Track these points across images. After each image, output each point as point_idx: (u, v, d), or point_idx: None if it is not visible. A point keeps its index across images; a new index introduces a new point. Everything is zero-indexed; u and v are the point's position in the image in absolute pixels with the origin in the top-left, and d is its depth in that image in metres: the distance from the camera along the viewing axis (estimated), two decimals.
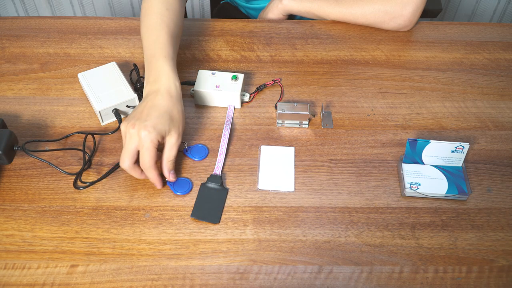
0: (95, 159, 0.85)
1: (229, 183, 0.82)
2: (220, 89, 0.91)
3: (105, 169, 0.83)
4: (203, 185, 0.81)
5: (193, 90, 0.93)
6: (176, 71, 0.85)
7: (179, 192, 0.80)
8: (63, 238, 0.75)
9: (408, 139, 0.80)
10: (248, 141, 0.88)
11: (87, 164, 0.83)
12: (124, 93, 0.90)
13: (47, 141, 0.86)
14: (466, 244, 0.76)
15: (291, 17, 1.16)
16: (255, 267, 0.73)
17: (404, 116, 0.92)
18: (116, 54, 1.02)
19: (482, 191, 0.82)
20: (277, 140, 0.88)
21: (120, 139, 0.87)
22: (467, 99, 0.96)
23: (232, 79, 0.92)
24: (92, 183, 0.80)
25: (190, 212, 0.78)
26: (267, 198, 0.80)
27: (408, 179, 0.81)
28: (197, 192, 0.81)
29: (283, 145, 0.87)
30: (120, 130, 0.88)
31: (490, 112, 0.93)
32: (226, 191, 0.81)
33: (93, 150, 0.85)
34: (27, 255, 0.73)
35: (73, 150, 0.85)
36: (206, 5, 2.00)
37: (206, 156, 0.85)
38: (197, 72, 0.95)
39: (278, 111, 0.88)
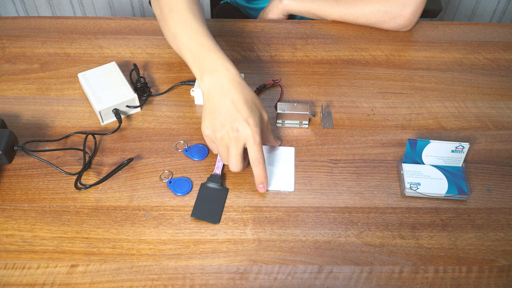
0: (95, 159, 0.85)
1: (229, 183, 0.82)
2: None
3: (105, 169, 0.83)
4: (203, 185, 0.81)
5: (193, 90, 0.93)
6: (218, 48, 0.82)
7: (179, 192, 0.80)
8: (63, 238, 0.75)
9: (408, 139, 0.80)
10: None
11: (88, 164, 0.83)
12: (124, 93, 0.90)
13: (47, 141, 0.86)
14: (466, 244, 0.76)
15: (291, 17, 1.16)
16: (255, 267, 0.73)
17: (404, 116, 0.92)
18: (116, 54, 1.02)
19: (482, 191, 0.82)
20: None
21: (120, 139, 0.87)
22: (467, 99, 0.96)
23: None
24: (94, 184, 0.80)
25: (190, 212, 0.78)
26: (267, 198, 0.80)
27: (408, 179, 0.81)
28: (197, 192, 0.81)
29: (283, 145, 0.87)
30: (120, 131, 0.88)
31: (490, 112, 0.93)
32: (226, 191, 0.81)
33: (93, 150, 0.85)
34: (27, 255, 0.73)
35: (73, 150, 0.85)
36: (206, 5, 1.99)
37: (206, 156, 0.85)
38: None
39: (278, 111, 0.88)
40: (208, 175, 0.83)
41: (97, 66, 0.95)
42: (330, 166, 0.85)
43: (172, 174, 0.83)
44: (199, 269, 0.72)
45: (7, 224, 0.77)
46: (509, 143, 0.89)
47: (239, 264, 0.73)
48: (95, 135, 0.87)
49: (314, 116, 0.92)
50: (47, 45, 1.04)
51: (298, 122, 0.89)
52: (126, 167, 0.83)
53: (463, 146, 0.80)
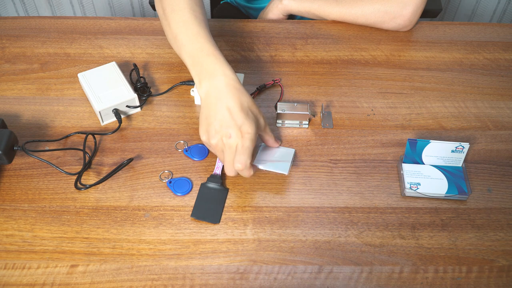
0: (95, 159, 0.85)
1: (229, 183, 0.82)
2: None
3: (105, 169, 0.83)
4: (203, 185, 0.81)
5: (193, 90, 0.93)
6: (216, 50, 0.81)
7: (179, 192, 0.80)
8: (63, 238, 0.75)
9: (408, 139, 0.80)
10: None
11: (88, 164, 0.83)
12: (124, 93, 0.90)
13: (47, 141, 0.86)
14: (466, 244, 0.76)
15: (291, 17, 1.16)
16: (255, 267, 0.73)
17: (404, 116, 0.92)
18: (116, 54, 1.02)
19: (482, 191, 0.82)
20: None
21: (120, 139, 0.87)
22: (467, 99, 0.96)
23: None
24: (94, 184, 0.80)
25: (190, 212, 0.78)
26: (267, 198, 0.80)
27: (408, 179, 0.81)
28: (197, 192, 0.81)
29: (282, 145, 0.87)
30: (120, 131, 0.88)
31: (490, 112, 0.93)
32: (226, 191, 0.81)
33: (93, 150, 0.85)
34: (27, 255, 0.73)
35: (73, 150, 0.85)
36: (206, 5, 2.00)
37: (206, 156, 0.85)
38: None
39: (278, 111, 0.88)
40: (208, 175, 0.83)
41: (97, 66, 0.95)
42: (330, 166, 0.85)
43: (172, 174, 0.83)
44: (199, 269, 0.72)
45: (7, 224, 0.77)
46: (509, 143, 0.89)
47: (239, 264, 0.73)
48: (95, 135, 0.87)
49: (314, 116, 0.92)
50: (47, 45, 1.04)
51: (298, 122, 0.89)
52: (126, 167, 0.83)
53: (463, 146, 0.80)
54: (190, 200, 0.80)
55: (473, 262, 0.74)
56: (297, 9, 1.10)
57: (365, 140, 0.88)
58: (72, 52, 1.02)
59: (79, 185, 0.81)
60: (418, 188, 0.80)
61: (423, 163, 0.83)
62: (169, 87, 0.95)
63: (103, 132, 0.88)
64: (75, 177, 0.81)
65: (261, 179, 0.82)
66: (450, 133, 0.90)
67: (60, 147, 0.86)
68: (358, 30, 1.08)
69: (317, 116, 0.92)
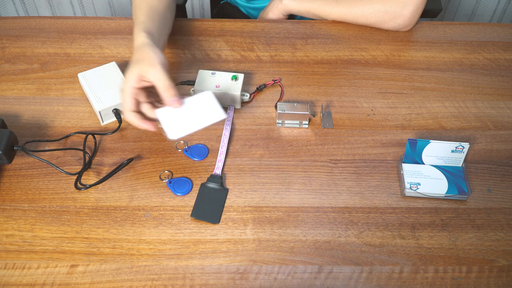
0: (95, 159, 0.85)
1: (229, 183, 0.82)
2: (220, 89, 0.91)
3: (105, 169, 0.83)
4: (203, 185, 0.81)
5: (193, 90, 0.93)
6: (148, 29, 0.86)
7: (179, 192, 0.80)
8: (63, 238, 0.75)
9: (408, 139, 0.80)
10: (248, 141, 0.88)
11: (88, 164, 0.83)
12: None
13: (47, 141, 0.86)
14: (466, 244, 0.76)
15: (291, 17, 1.16)
16: (255, 267, 0.73)
17: (404, 116, 0.92)
18: (116, 54, 1.02)
19: (482, 191, 0.82)
20: (277, 140, 0.88)
21: (120, 139, 0.87)
22: (467, 99, 0.96)
23: (232, 79, 0.92)
24: (94, 184, 0.80)
25: (190, 212, 0.78)
26: (267, 198, 0.80)
27: (408, 179, 0.81)
28: (197, 192, 0.81)
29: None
30: (120, 131, 0.89)
31: (490, 112, 0.93)
32: (226, 191, 0.81)
33: (93, 150, 0.85)
34: (27, 255, 0.73)
35: (73, 150, 0.85)
36: (206, 5, 1.99)
37: (206, 156, 0.85)
38: (197, 72, 0.95)
39: (278, 111, 0.88)
40: (208, 175, 0.83)
41: (97, 66, 0.95)
42: (330, 166, 0.85)
43: (172, 174, 0.83)
44: (199, 269, 0.72)
45: (7, 224, 0.77)
46: (509, 143, 0.89)
47: (239, 264, 0.73)
48: (95, 135, 0.87)
49: (314, 116, 0.92)
50: (47, 45, 1.04)
51: (298, 122, 0.89)
52: (126, 167, 0.83)
53: (463, 146, 0.80)
54: (190, 200, 0.80)
55: (473, 262, 0.74)
56: (297, 9, 1.10)
57: (365, 140, 0.88)
58: (72, 52, 1.02)
59: (79, 185, 0.81)
60: (418, 188, 0.80)
61: (423, 163, 0.83)
62: None
63: (103, 132, 0.88)
64: (75, 177, 0.81)
65: (261, 179, 0.82)
66: (450, 133, 0.90)
67: (60, 147, 0.86)
68: (358, 30, 1.08)
69: (317, 116, 0.92)
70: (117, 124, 0.88)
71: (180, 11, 1.35)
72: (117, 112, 0.88)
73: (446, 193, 0.80)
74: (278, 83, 0.97)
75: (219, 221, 0.77)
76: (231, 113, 0.92)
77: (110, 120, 0.90)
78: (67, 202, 0.79)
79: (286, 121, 0.90)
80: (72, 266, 0.72)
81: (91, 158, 0.84)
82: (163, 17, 0.94)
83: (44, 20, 1.09)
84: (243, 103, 0.94)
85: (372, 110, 0.93)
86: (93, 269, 0.72)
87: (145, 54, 0.80)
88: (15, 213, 0.78)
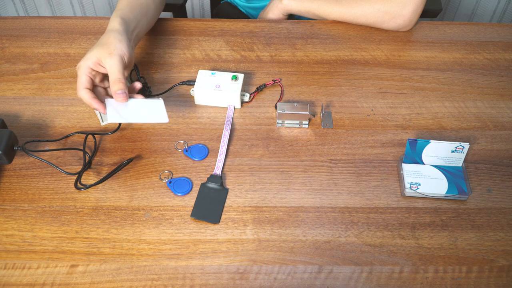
0: (95, 159, 0.85)
1: (229, 183, 0.82)
2: (220, 89, 0.91)
3: (105, 169, 0.83)
4: (203, 185, 0.81)
5: (193, 90, 0.93)
6: (124, 16, 0.88)
7: (179, 192, 0.80)
8: (63, 238, 0.75)
9: (408, 139, 0.80)
10: (248, 141, 0.88)
11: (88, 164, 0.83)
12: None
13: (47, 141, 0.86)
14: (466, 244, 0.76)
15: (291, 17, 1.16)
16: (255, 267, 0.73)
17: (404, 116, 0.92)
18: None
19: (482, 191, 0.82)
20: (277, 140, 0.88)
21: (120, 139, 0.87)
22: (467, 99, 0.96)
23: (232, 79, 0.92)
24: (94, 184, 0.80)
25: (190, 212, 0.78)
26: (267, 198, 0.80)
27: (408, 179, 0.81)
28: (197, 192, 0.81)
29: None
30: (120, 131, 0.89)
31: (490, 112, 0.93)
32: (226, 191, 0.81)
33: (93, 150, 0.85)
34: (27, 255, 0.73)
35: (73, 150, 0.85)
36: (206, 5, 2.00)
37: (206, 156, 0.85)
38: (197, 72, 0.95)
39: (278, 111, 0.88)
40: (208, 175, 0.83)
41: None
42: (330, 166, 0.85)
43: (172, 174, 0.83)
44: (199, 269, 0.72)
45: (7, 224, 0.77)
46: (509, 143, 0.89)
47: (239, 264, 0.73)
48: (95, 135, 0.87)
49: (314, 116, 0.92)
50: (47, 45, 1.04)
51: (298, 122, 0.90)
52: (126, 167, 0.83)
53: (463, 146, 0.80)
54: (190, 200, 0.80)
55: (473, 262, 0.74)
56: (297, 9, 1.10)
57: (365, 140, 0.88)
58: (72, 52, 1.02)
59: (79, 185, 0.81)
60: (418, 188, 0.80)
61: (423, 163, 0.83)
62: (169, 87, 0.95)
63: (103, 132, 0.88)
64: (75, 177, 0.81)
65: (261, 179, 0.82)
66: (450, 133, 0.90)
67: (60, 147, 0.86)
68: (358, 30, 1.08)
69: (317, 116, 0.92)
70: (117, 124, 0.88)
71: (180, 11, 1.35)
72: None
73: (446, 193, 0.80)
74: (278, 83, 0.97)
75: (219, 221, 0.77)
76: (231, 113, 0.92)
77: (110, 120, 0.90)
78: (67, 202, 0.79)
79: (286, 121, 0.90)
80: (72, 266, 0.72)
81: (91, 158, 0.84)
82: (144, 7, 0.95)
83: (44, 20, 1.09)
84: (243, 103, 0.94)
85: (372, 110, 0.93)
86: (93, 269, 0.72)
87: (110, 40, 0.82)
88: (15, 213, 0.78)
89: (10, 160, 0.80)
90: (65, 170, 0.82)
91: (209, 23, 1.09)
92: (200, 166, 0.84)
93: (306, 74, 0.99)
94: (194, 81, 0.94)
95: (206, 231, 0.76)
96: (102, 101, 0.82)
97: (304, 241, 0.75)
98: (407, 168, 0.82)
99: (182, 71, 0.99)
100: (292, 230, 0.77)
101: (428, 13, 1.30)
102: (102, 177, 0.81)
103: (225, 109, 0.93)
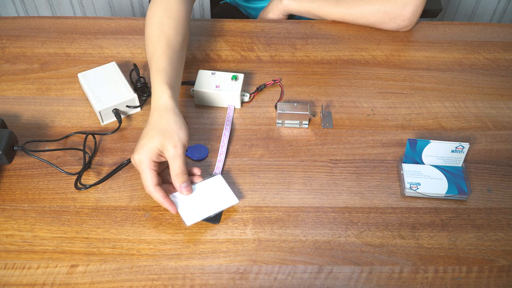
0: (95, 159, 0.85)
1: (229, 183, 0.82)
2: (220, 89, 0.91)
3: (105, 169, 0.83)
4: None
5: (193, 90, 0.93)
6: (171, 81, 0.81)
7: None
8: (63, 238, 0.75)
9: (408, 139, 0.80)
10: (248, 141, 0.88)
11: (88, 164, 0.83)
12: (124, 93, 0.90)
13: (47, 141, 0.86)
14: (466, 244, 0.76)
15: (291, 17, 1.16)
16: (255, 267, 0.73)
17: (404, 116, 0.92)
18: (116, 54, 1.02)
19: (482, 191, 0.82)
20: (277, 140, 0.88)
21: (120, 139, 0.87)
22: (467, 99, 0.96)
23: (232, 79, 0.92)
24: (94, 184, 0.80)
25: None
26: (267, 198, 0.80)
27: (408, 179, 0.81)
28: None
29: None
30: (120, 131, 0.89)
31: (490, 112, 0.93)
32: None
33: (93, 150, 0.85)
34: (27, 255, 0.73)
35: (73, 150, 0.85)
36: (206, 5, 2.00)
37: (206, 156, 0.85)
38: (197, 72, 0.95)
39: (278, 111, 0.88)
40: (208, 175, 0.83)
41: (97, 66, 0.95)
42: (330, 166, 0.85)
43: None
44: (199, 269, 0.72)
45: (7, 224, 0.77)
46: (509, 143, 0.89)
47: (239, 264, 0.73)
48: (95, 135, 0.87)
49: (314, 116, 0.92)
50: (47, 45, 1.04)
51: (298, 122, 0.90)
52: (126, 167, 0.83)
53: (463, 146, 0.80)
54: None
55: (473, 262, 0.74)
56: (297, 9, 1.10)
57: (365, 140, 0.88)
58: (72, 52, 1.02)
59: (79, 185, 0.81)
60: (418, 188, 0.80)
61: (423, 163, 0.83)
62: None
63: (103, 132, 0.88)
64: (75, 177, 0.81)
65: (261, 179, 0.82)
66: (450, 133, 0.90)
67: (60, 147, 0.86)
68: (358, 30, 1.08)
69: (317, 116, 0.92)
70: (117, 124, 0.88)
71: None
72: (117, 112, 0.88)
73: (446, 193, 0.80)
74: (278, 83, 0.97)
75: (219, 221, 0.77)
76: (231, 113, 0.92)
77: (110, 120, 0.90)
78: (67, 202, 0.79)
79: (286, 121, 0.90)
80: (72, 266, 0.72)
81: (91, 158, 0.84)
82: (180, 57, 0.87)
83: (44, 20, 1.09)
84: (243, 103, 0.94)
85: (372, 110, 0.93)
86: (93, 269, 0.72)
87: (170, 126, 0.76)
88: (15, 213, 0.78)
89: (10, 160, 0.80)
90: (65, 170, 0.82)
91: (209, 23, 1.09)
92: (200, 166, 0.84)
93: (306, 74, 0.99)
94: (194, 81, 0.94)
95: (206, 231, 0.76)
96: None
97: (304, 241, 0.75)
98: (407, 168, 0.82)
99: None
100: (292, 230, 0.77)
101: (428, 13, 1.30)
102: (102, 177, 0.81)
103: (225, 109, 0.93)
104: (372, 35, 1.07)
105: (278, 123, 0.90)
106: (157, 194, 0.74)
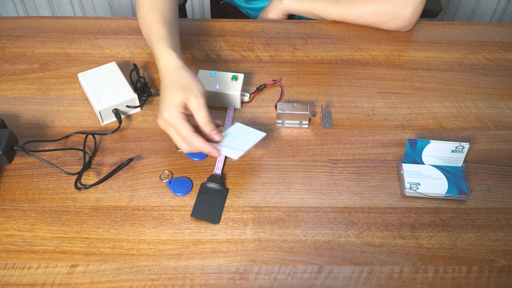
0: (95, 159, 0.85)
1: (229, 183, 0.82)
2: (220, 89, 0.91)
3: (105, 169, 0.83)
4: (203, 185, 0.81)
5: None
6: (173, 46, 0.84)
7: (179, 192, 0.80)
8: (63, 238, 0.75)
9: (408, 139, 0.80)
10: None
11: (88, 164, 0.83)
12: (124, 93, 0.90)
13: (47, 141, 0.86)
14: (466, 244, 0.76)
15: (291, 17, 1.16)
16: (255, 267, 0.73)
17: (404, 116, 0.92)
18: (116, 54, 1.02)
19: (482, 191, 0.82)
20: (277, 140, 0.88)
21: (120, 139, 0.88)
22: (467, 99, 0.96)
23: (232, 79, 0.92)
24: (94, 184, 0.80)
25: (190, 212, 0.78)
26: (267, 198, 0.80)
27: (408, 179, 0.81)
28: (197, 192, 0.81)
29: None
30: (120, 131, 0.89)
31: (490, 112, 0.93)
32: (226, 191, 0.81)
33: (93, 150, 0.85)
34: (27, 255, 0.73)
35: (73, 150, 0.85)
36: (206, 5, 2.00)
37: (206, 156, 0.85)
38: (197, 72, 0.95)
39: (278, 111, 0.88)
40: (208, 175, 0.83)
41: (97, 66, 0.95)
42: (330, 166, 0.85)
43: (172, 174, 0.83)
44: (199, 269, 0.72)
45: (7, 224, 0.77)
46: (509, 143, 0.89)
47: (239, 264, 0.73)
48: (95, 135, 0.87)
49: (314, 116, 0.92)
50: (47, 45, 1.04)
51: (298, 122, 0.90)
52: (126, 167, 0.83)
53: (463, 146, 0.80)
54: (190, 200, 0.80)
55: (473, 262, 0.74)
56: (297, 9, 1.10)
57: (365, 140, 0.88)
58: (72, 52, 1.02)
59: (79, 185, 0.81)
60: (418, 188, 0.80)
61: (423, 163, 0.83)
62: None
63: (103, 132, 0.88)
64: (75, 177, 0.81)
65: (261, 179, 0.82)
66: (450, 133, 0.90)
67: (60, 147, 0.86)
68: (358, 30, 1.08)
69: (317, 116, 0.92)
70: (117, 124, 0.88)
71: (180, 11, 1.34)
72: (117, 112, 0.88)
73: (446, 193, 0.80)
74: (278, 83, 0.97)
75: (219, 221, 0.77)
76: (231, 113, 0.92)
77: (110, 120, 0.90)
78: (67, 202, 0.79)
79: (286, 121, 0.90)
80: (72, 266, 0.72)
81: (91, 158, 0.84)
82: (176, 31, 0.92)
83: (44, 20, 1.09)
84: (243, 103, 0.94)
85: (372, 110, 0.93)
86: (93, 269, 0.72)
87: (188, 80, 0.79)
88: (15, 213, 0.78)
89: (10, 160, 0.80)
90: (65, 170, 0.82)
91: (209, 23, 1.09)
92: (200, 166, 0.84)
93: (306, 74, 0.99)
94: None
95: (206, 231, 0.76)
96: None
97: (304, 241, 0.75)
98: (407, 168, 0.82)
99: None
100: (292, 230, 0.77)
101: (428, 13, 1.30)
102: (102, 177, 0.81)
103: (225, 109, 0.93)
104: (372, 35, 1.07)
105: (278, 123, 0.90)
106: (198, 140, 0.76)
